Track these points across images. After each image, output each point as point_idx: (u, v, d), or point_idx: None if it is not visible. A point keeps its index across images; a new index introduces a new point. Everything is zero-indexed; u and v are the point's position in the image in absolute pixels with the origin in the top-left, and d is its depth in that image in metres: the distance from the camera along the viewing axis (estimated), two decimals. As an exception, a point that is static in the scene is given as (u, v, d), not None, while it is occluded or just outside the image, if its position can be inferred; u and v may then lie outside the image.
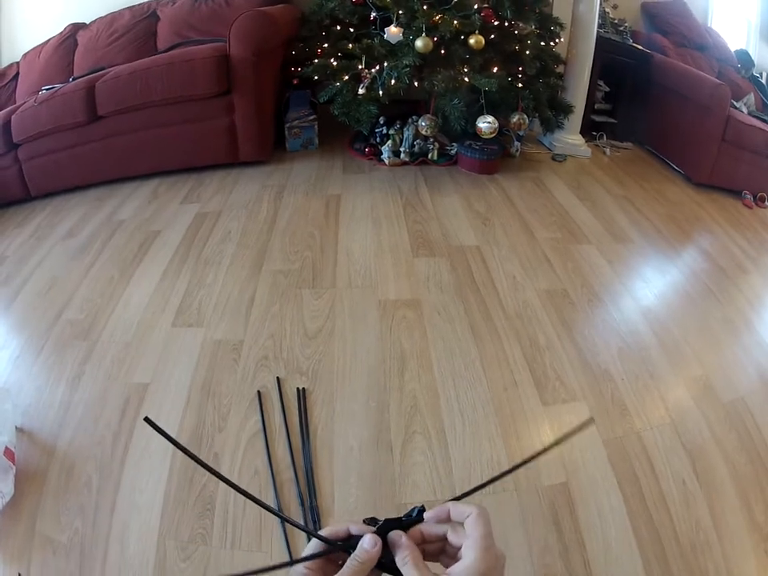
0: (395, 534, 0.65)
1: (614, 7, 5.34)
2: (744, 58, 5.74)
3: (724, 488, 1.87)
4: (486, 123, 3.68)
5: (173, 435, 1.76)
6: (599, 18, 4.56)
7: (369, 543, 0.63)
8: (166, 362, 2.21)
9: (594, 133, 5.17)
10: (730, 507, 1.81)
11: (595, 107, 5.32)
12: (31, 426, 1.93)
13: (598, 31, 4.55)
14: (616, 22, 5.25)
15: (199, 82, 3.47)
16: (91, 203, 3.52)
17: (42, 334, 2.38)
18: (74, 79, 3.78)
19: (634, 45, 5.17)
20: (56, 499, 1.69)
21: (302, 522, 1.64)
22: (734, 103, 4.72)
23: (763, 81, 5.68)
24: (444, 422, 1.99)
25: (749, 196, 4.49)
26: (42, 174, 3.63)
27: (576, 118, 4.65)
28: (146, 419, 0.43)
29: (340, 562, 0.64)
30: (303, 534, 1.62)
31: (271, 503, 1.68)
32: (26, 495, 1.70)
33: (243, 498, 1.72)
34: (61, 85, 3.64)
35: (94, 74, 3.65)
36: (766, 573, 1.65)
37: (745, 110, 4.95)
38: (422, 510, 0.69)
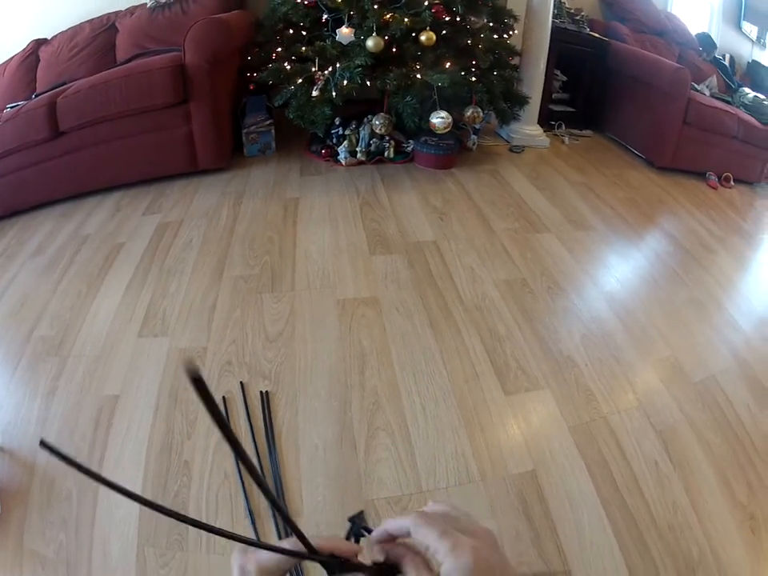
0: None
1: (570, -3, 5.39)
2: (705, 41, 5.81)
3: (700, 468, 1.91)
4: (439, 119, 3.70)
5: (144, 444, 1.80)
6: (554, 9, 4.61)
7: None
8: (134, 372, 2.22)
9: (553, 122, 5.23)
10: (708, 487, 1.85)
11: (553, 97, 5.36)
12: (11, 444, 1.95)
13: (553, 21, 4.60)
14: (572, 11, 5.29)
15: (156, 92, 3.48)
16: (57, 219, 3.52)
17: (16, 351, 2.39)
18: (36, 95, 3.78)
19: (591, 33, 5.21)
20: (40, 514, 1.71)
21: (272, 523, 1.68)
22: (695, 86, 4.78)
23: (726, 63, 5.75)
24: (406, 417, 2.02)
25: (713, 177, 4.57)
26: (9, 192, 3.61)
27: (533, 109, 4.69)
28: (43, 443, 0.45)
29: None
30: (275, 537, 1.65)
31: (241, 506, 1.72)
32: (12, 511, 1.72)
33: (215, 501, 1.76)
34: (24, 102, 3.63)
35: (55, 90, 3.64)
36: (753, 550, 1.68)
37: (707, 92, 5.01)
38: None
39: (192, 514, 1.67)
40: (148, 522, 1.68)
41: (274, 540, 1.60)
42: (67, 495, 1.77)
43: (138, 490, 1.75)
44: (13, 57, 4.30)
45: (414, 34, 3.67)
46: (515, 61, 4.58)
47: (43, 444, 0.43)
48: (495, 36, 4.16)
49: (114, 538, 1.64)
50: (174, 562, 1.58)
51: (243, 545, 0.56)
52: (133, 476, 1.82)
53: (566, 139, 5.06)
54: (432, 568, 0.56)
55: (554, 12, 4.60)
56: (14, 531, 1.68)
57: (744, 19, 6.28)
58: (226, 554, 1.58)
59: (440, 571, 0.53)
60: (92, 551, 1.62)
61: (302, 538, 0.56)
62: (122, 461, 1.87)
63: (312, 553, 0.57)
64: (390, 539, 0.60)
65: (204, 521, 1.49)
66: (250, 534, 1.64)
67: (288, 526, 0.56)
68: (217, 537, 1.58)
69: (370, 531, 0.64)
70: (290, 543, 0.57)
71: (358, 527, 0.64)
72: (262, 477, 0.48)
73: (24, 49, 4.32)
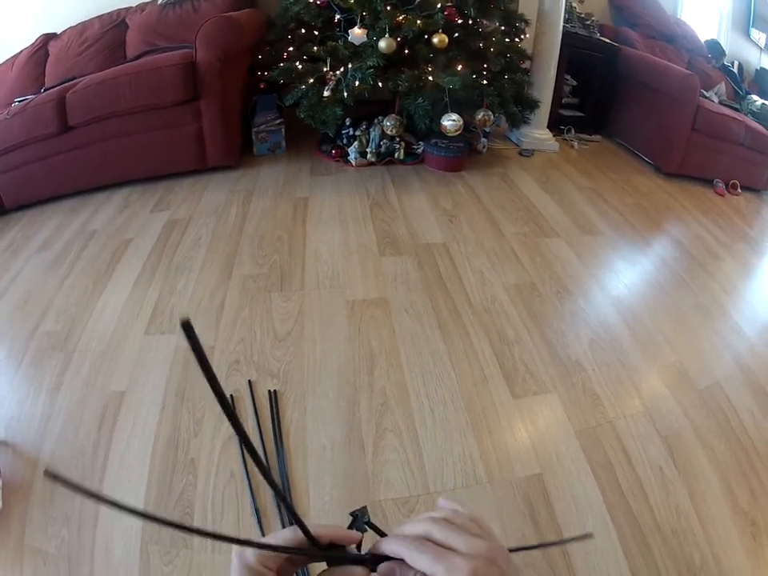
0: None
1: (581, 1, 5.38)
2: (714, 47, 5.81)
3: (704, 474, 1.91)
4: (450, 121, 3.71)
5: (150, 442, 1.79)
6: (565, 13, 4.61)
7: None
8: (141, 369, 2.22)
9: (562, 127, 5.24)
10: (712, 493, 1.85)
11: (563, 101, 5.37)
12: (14, 439, 1.94)
13: (564, 26, 4.60)
14: (583, 16, 5.28)
15: (167, 89, 3.48)
16: (65, 214, 3.51)
17: (21, 346, 2.38)
18: (45, 90, 3.77)
19: (601, 38, 5.21)
20: (42, 510, 1.71)
21: (278, 521, 1.68)
22: (704, 93, 4.77)
23: (734, 70, 5.74)
24: (414, 419, 2.02)
25: (721, 184, 4.57)
26: (16, 187, 3.61)
27: (543, 113, 4.70)
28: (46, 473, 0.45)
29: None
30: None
31: (248, 505, 1.71)
32: (14, 507, 1.72)
33: (221, 500, 1.75)
34: (33, 96, 3.63)
35: (64, 85, 3.64)
36: (754, 556, 1.68)
37: (716, 99, 5.01)
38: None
39: (198, 513, 1.69)
40: (153, 520, 1.66)
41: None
42: (70, 491, 1.75)
43: (143, 488, 1.76)
44: (22, 51, 4.31)
45: (426, 36, 3.68)
46: (526, 65, 4.60)
47: (48, 474, 0.42)
48: (507, 39, 4.17)
49: (117, 535, 1.64)
50: (179, 559, 1.57)
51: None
52: (138, 474, 1.81)
53: (576, 144, 5.05)
54: None
55: (564, 17, 4.60)
56: (15, 527, 1.67)
57: (753, 26, 6.28)
58: (231, 553, 1.56)
59: None
60: (94, 548, 1.61)
61: (302, 526, 0.56)
62: (128, 458, 1.87)
63: (312, 544, 0.57)
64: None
65: (210, 519, 1.48)
66: (255, 532, 1.64)
67: (288, 511, 0.57)
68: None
69: (372, 526, 0.64)
70: (291, 531, 0.57)
71: (360, 522, 0.63)
72: (254, 446, 0.47)
73: (33, 43, 4.33)
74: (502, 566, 0.55)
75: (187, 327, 0.38)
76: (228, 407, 0.42)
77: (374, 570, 0.59)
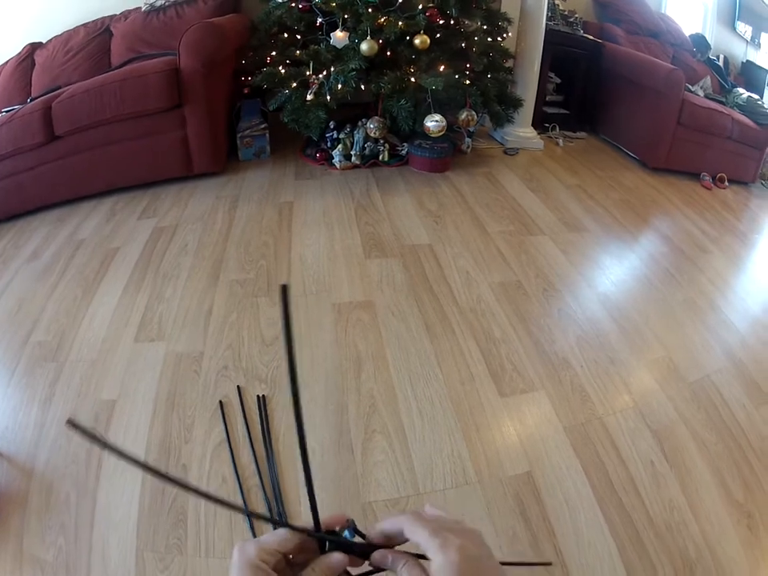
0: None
1: (564, -1, 5.40)
2: (699, 41, 5.81)
3: (696, 467, 1.91)
4: (433, 122, 3.72)
5: (142, 449, 1.80)
6: (548, 11, 4.62)
7: (337, 561, 0.61)
8: (131, 377, 2.22)
9: (547, 125, 5.24)
10: (705, 486, 1.85)
11: (547, 99, 5.37)
12: (9, 449, 1.94)
13: (547, 24, 4.60)
14: (566, 13, 5.29)
15: (151, 96, 3.48)
16: (53, 223, 3.51)
17: (13, 357, 2.38)
18: (31, 100, 3.77)
19: (585, 35, 5.22)
20: (39, 518, 1.71)
21: (271, 528, 1.69)
22: (689, 87, 4.78)
23: (720, 63, 5.76)
24: (403, 420, 2.02)
25: (708, 178, 4.58)
26: (4, 197, 3.60)
27: (527, 111, 4.71)
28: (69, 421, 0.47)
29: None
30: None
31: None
32: (11, 516, 1.72)
33: (213, 506, 1.76)
34: (20, 106, 3.63)
35: (50, 94, 3.63)
36: (750, 548, 1.68)
37: (701, 93, 5.02)
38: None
39: (190, 518, 1.70)
40: (147, 526, 1.68)
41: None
42: (65, 499, 1.77)
43: (137, 494, 1.76)
44: (8, 61, 4.31)
45: (408, 38, 3.68)
46: (509, 63, 4.61)
47: (70, 423, 0.45)
48: (489, 39, 4.18)
49: (112, 542, 1.64)
50: (174, 566, 1.58)
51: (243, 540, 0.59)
52: (131, 480, 1.81)
53: (560, 141, 5.07)
54: (426, 570, 0.58)
55: (547, 14, 4.60)
56: (13, 536, 1.67)
57: (738, 19, 6.29)
58: (225, 558, 1.58)
59: (431, 568, 0.55)
60: (91, 555, 1.61)
61: (315, 514, 0.63)
62: (120, 465, 1.86)
63: (317, 529, 0.63)
64: (387, 541, 0.64)
65: (203, 523, 1.49)
66: (248, 536, 1.64)
67: (309, 499, 0.60)
68: (215, 541, 1.58)
69: (361, 535, 0.66)
70: (286, 531, 0.62)
71: (351, 532, 0.65)
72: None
73: (19, 53, 4.33)
74: (488, 552, 0.59)
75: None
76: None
77: (367, 559, 0.63)
